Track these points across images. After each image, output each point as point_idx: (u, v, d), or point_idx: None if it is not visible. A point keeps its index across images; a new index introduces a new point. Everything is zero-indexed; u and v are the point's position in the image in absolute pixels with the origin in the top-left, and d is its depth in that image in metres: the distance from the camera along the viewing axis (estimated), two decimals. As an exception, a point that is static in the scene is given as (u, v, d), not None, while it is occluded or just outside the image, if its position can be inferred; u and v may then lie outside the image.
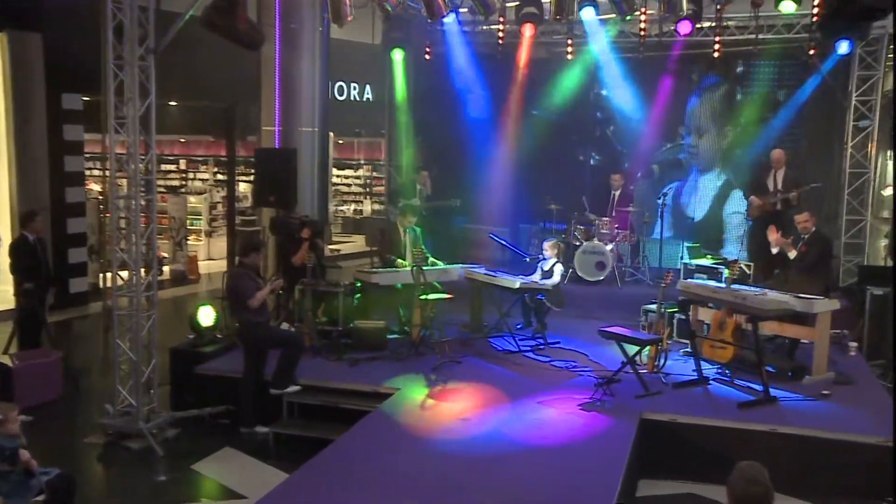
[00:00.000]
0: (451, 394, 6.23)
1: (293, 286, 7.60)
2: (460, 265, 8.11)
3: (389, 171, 11.88)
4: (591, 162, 11.57)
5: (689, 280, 6.89)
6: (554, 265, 8.11)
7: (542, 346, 7.59)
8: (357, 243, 18.92)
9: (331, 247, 16.10)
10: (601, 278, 9.40)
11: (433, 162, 11.09)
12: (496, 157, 11.06)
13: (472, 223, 11.08)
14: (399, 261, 7.85)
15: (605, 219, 9.78)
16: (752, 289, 6.32)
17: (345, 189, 20.82)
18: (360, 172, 21.11)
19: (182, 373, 6.90)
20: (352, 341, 7.35)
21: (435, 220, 10.02)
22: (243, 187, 17.01)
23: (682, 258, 9.95)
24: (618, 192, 10.10)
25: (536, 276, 8.08)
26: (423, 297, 7.19)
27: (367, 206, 20.20)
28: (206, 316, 7.39)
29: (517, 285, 7.46)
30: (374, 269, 7.90)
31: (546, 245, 8.18)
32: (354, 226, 20.13)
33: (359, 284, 7.94)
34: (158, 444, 6.10)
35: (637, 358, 6.44)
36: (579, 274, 9.41)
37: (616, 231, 9.71)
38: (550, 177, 10.91)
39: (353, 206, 20.94)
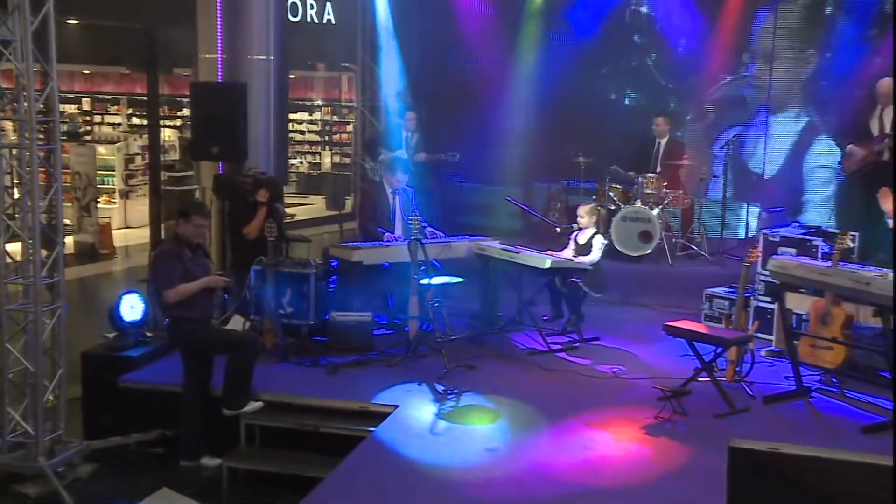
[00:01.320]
0: (468, 413, 5.97)
1: (247, 267, 7.23)
2: (467, 237, 7.82)
3: (363, 114, 11.75)
4: (627, 101, 11.54)
5: (782, 257, 6.36)
6: (592, 237, 7.76)
7: (577, 344, 7.37)
8: (315, 206, 18.53)
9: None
10: (647, 252, 9.24)
11: (422, 104, 11.03)
12: (504, 97, 11.05)
13: (473, 182, 11.14)
14: (379, 231, 7.66)
15: (648, 175, 9.57)
16: (869, 269, 5.81)
17: (298, 137, 20.46)
18: (317, 116, 20.76)
19: (99, 386, 6.62)
20: (329, 340, 7.15)
21: (426, 178, 9.91)
22: (169, 135, 16.45)
23: (751, 225, 9.90)
24: (663, 141, 9.89)
25: (569, 252, 7.78)
26: (423, 280, 6.80)
27: (327, 159, 19.95)
28: (131, 307, 7.02)
29: (547, 264, 7.06)
30: (355, 244, 7.53)
31: (581, 211, 7.81)
32: (310, 183, 19.86)
33: (335, 264, 7.64)
34: (67, 487, 5.67)
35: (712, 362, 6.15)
36: (617, 247, 9.22)
37: (664, 191, 9.47)
38: (575, 121, 10.88)
39: (307, 159, 20.54)
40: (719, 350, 6.10)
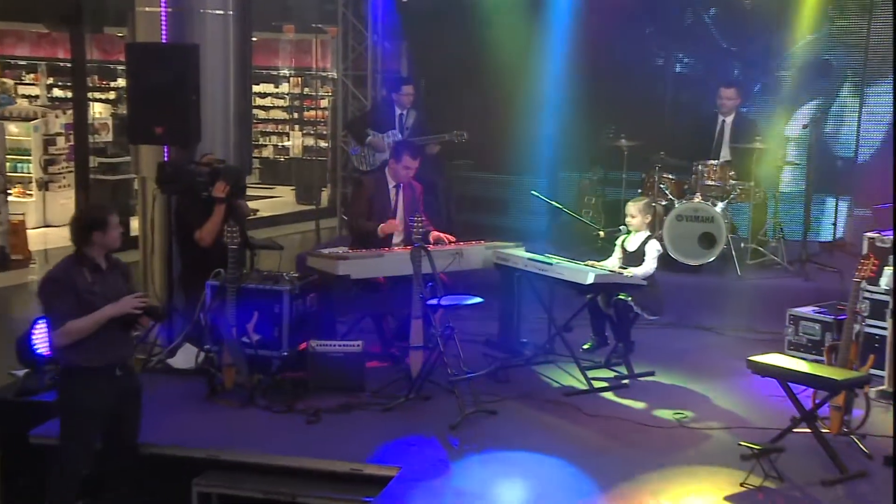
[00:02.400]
0: (493, 478, 5.76)
1: (201, 282, 7.14)
2: (483, 243, 7.75)
3: (344, 85, 11.70)
4: (678, 68, 11.48)
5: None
6: (645, 243, 7.53)
7: (626, 382, 7.29)
8: (283, 199, 18.27)
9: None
10: (709, 260, 9.10)
11: (422, 75, 11.07)
12: (524, 67, 10.91)
13: (484, 172, 11.15)
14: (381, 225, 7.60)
15: (710, 163, 9.39)
16: None
17: (261, 115, 20.52)
18: (285, 89, 20.53)
19: (7, 441, 6.39)
20: (308, 377, 6.96)
21: (425, 166, 9.35)
22: (100, 111, 16.17)
23: (839, 225, 9.86)
24: (729, 119, 9.75)
25: (615, 262, 7.60)
26: (429, 300, 6.69)
27: (297, 141, 19.83)
28: (45, 337, 6.56)
29: (590, 279, 6.86)
30: (339, 252, 7.42)
31: (632, 208, 7.57)
32: (276, 171, 20.04)
33: (314, 278, 7.53)
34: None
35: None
36: (671, 254, 9.04)
37: (730, 183, 9.32)
38: (613, 95, 10.78)
39: (272, 141, 20.46)
40: (824, 394, 5.87)
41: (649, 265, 7.43)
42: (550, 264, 7.15)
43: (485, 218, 10.59)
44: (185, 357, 7.18)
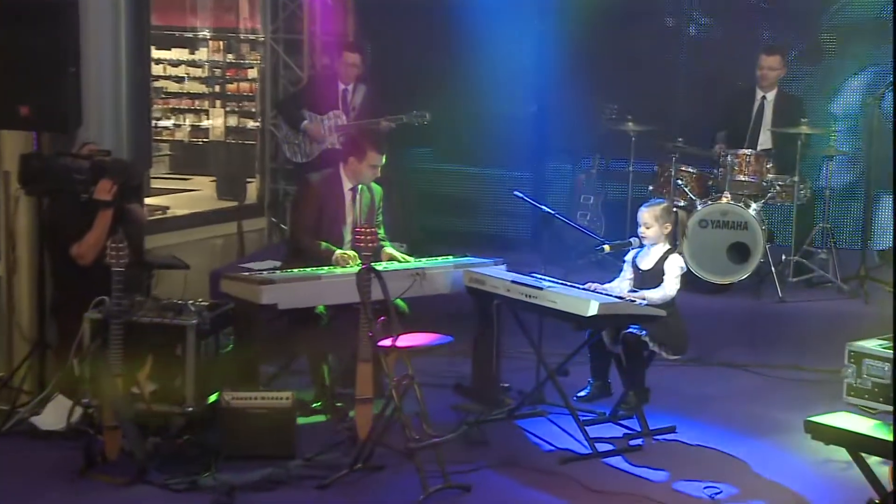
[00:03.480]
0: None
1: (78, 313, 6.92)
2: (451, 260, 7.78)
3: (273, 51, 11.57)
4: (692, 30, 11.34)
5: None
6: (664, 259, 7.31)
7: (640, 442, 7.11)
8: (201, 192, 17.90)
9: (150, 202, 15.79)
10: (741, 278, 9.05)
11: (370, 39, 11.06)
12: (500, 31, 10.76)
13: (450, 163, 11.21)
14: (336, 251, 7.55)
15: (742, 152, 9.35)
16: None
17: (173, 87, 20.12)
18: (202, 56, 20.16)
19: None
20: (220, 440, 6.76)
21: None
22: None
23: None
24: (771, 95, 9.75)
25: (623, 283, 7.42)
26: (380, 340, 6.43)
27: (218, 120, 19.42)
28: None
29: (592, 310, 6.58)
30: (263, 275, 7.18)
31: (646, 215, 7.34)
32: (192, 158, 19.65)
33: (229, 308, 7.26)
34: None
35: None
36: (692, 269, 8.94)
37: (767, 177, 9.28)
38: (613, 65, 10.87)
39: (188, 121, 20.21)
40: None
41: (669, 288, 7.18)
42: (540, 289, 6.92)
43: (453, 223, 10.74)
44: (56, 414, 6.91)
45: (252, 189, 14.20)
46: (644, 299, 7.00)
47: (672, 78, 10.93)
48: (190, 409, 6.81)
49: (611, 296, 6.95)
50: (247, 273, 7.30)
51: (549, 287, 6.92)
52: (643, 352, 7.14)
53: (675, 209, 7.73)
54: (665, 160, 9.53)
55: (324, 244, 7.55)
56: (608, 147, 10.35)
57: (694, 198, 9.28)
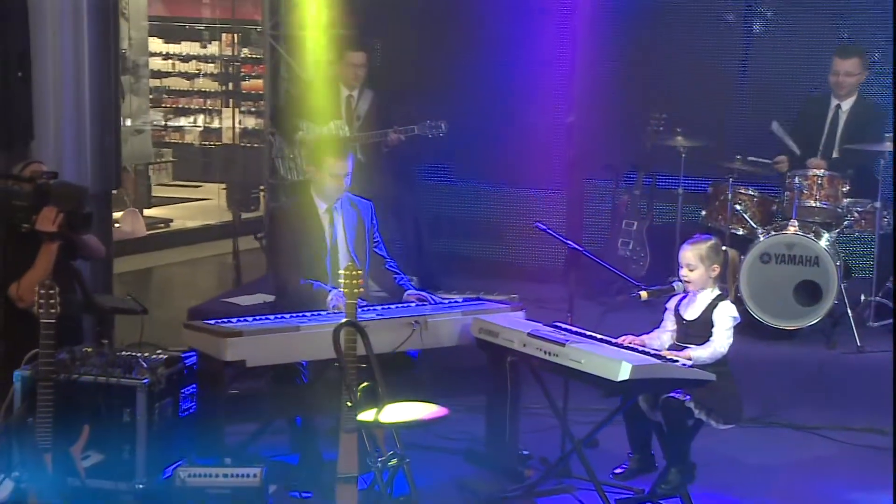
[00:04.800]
0: None
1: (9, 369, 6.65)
2: (459, 304, 7.44)
3: (273, 49, 11.35)
4: (755, 28, 10.86)
5: None
6: (713, 307, 6.81)
7: None
8: (211, 202, 18.13)
9: (151, 214, 15.83)
10: (811, 322, 8.70)
11: (379, 38, 11.05)
12: (528, 29, 10.65)
13: (472, 180, 11.04)
14: (316, 288, 7.26)
15: (813, 172, 8.96)
16: None
17: (183, 85, 20.42)
18: (213, 50, 20.59)
19: None
20: None
21: (385, 176, 9.67)
22: None
23: None
24: (847, 104, 9.37)
25: (665, 337, 6.93)
26: (372, 409, 5.98)
27: (226, 122, 19.72)
28: None
29: (624, 374, 6.10)
30: (230, 325, 6.69)
31: (689, 255, 6.87)
32: (205, 163, 19.90)
33: (191, 362, 6.87)
34: None
35: None
36: (752, 311, 8.71)
37: (843, 202, 8.93)
38: (663, 69, 10.64)
39: (197, 121, 20.57)
40: None
41: (720, 343, 6.65)
42: (562, 345, 6.39)
43: (473, 249, 10.54)
44: (-18, 493, 6.57)
45: (262, 201, 14.12)
46: (689, 359, 6.51)
47: (731, 84, 10.68)
48: (141, 485, 6.42)
49: (648, 354, 6.45)
50: (211, 322, 6.80)
51: (573, 343, 6.40)
52: (687, 420, 6.64)
53: (724, 248, 7.23)
54: (721, 181, 9.24)
55: (315, 284, 7.16)
56: (655, 164, 10.08)
57: (755, 226, 8.94)
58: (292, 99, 10.73)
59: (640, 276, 9.21)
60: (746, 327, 8.27)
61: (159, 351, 6.82)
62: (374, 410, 5.85)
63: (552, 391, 6.95)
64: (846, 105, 9.31)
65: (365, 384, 6.02)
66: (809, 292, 8.62)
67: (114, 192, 8.92)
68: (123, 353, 6.70)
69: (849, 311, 8.65)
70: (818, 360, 8.49)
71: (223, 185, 17.95)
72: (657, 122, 9.69)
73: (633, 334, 6.75)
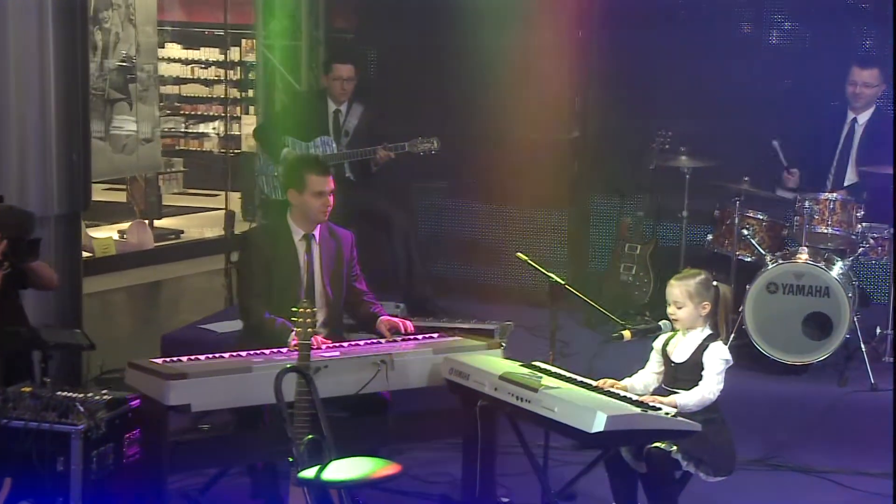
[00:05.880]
0: None
1: None
2: (432, 339, 7.11)
3: (264, 57, 11.25)
4: (772, 38, 10.83)
5: None
6: (704, 348, 6.44)
7: None
8: (222, 213, 17.71)
9: (162, 225, 15.66)
10: (821, 358, 8.45)
11: (371, 51, 10.97)
12: (523, 35, 10.43)
13: (465, 199, 10.87)
14: (278, 325, 6.97)
15: (824, 196, 8.76)
16: None
17: (202, 92, 20.35)
18: (234, 55, 20.35)
19: None
20: None
21: (380, 196, 9.68)
22: None
23: None
24: (864, 118, 9.15)
25: (647, 378, 6.59)
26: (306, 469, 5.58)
27: (246, 129, 19.32)
28: None
29: (598, 425, 5.69)
30: (175, 364, 6.37)
31: (676, 290, 6.53)
32: (209, 173, 19.51)
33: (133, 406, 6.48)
34: None
35: None
36: (758, 345, 8.52)
37: (857, 227, 8.70)
38: (669, 80, 10.41)
39: (215, 129, 20.38)
40: None
41: (709, 389, 6.22)
42: (535, 391, 5.96)
43: (468, 272, 10.35)
44: None
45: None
46: (675, 407, 6.08)
47: (745, 97, 10.38)
48: None
49: (629, 401, 6.01)
50: (156, 362, 6.41)
51: (545, 388, 5.95)
52: (674, 472, 6.22)
53: (714, 283, 6.87)
54: (728, 203, 8.99)
55: (278, 321, 6.82)
56: (660, 185, 9.82)
57: (764, 252, 8.69)
58: (277, 113, 10.59)
59: (643, 303, 9.13)
60: (751, 362, 8.39)
61: (104, 391, 6.41)
62: (317, 467, 5.45)
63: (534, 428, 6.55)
64: (863, 118, 9.09)
65: (310, 436, 5.65)
66: (819, 325, 8.42)
67: (82, 212, 8.56)
68: (65, 393, 6.26)
69: (862, 346, 8.43)
70: (828, 399, 8.26)
71: (239, 195, 17.81)
72: (663, 139, 9.48)
73: (613, 378, 6.36)
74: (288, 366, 5.67)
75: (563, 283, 7.11)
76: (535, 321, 8.39)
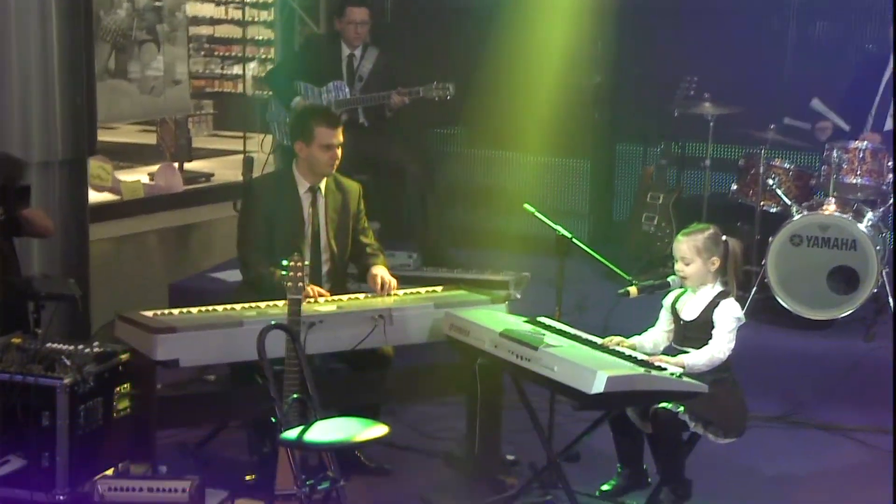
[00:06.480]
0: None
1: None
2: (433, 295, 6.94)
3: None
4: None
5: None
6: (714, 305, 6.26)
7: None
8: (257, 156, 17.98)
9: (192, 168, 15.56)
10: (847, 312, 8.22)
11: None
12: None
13: (484, 147, 10.67)
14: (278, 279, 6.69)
15: (853, 145, 8.50)
16: None
17: (234, 35, 20.02)
18: None
19: None
20: None
21: (394, 143, 9.46)
22: None
23: None
24: None
25: (657, 336, 6.44)
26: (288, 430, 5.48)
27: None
28: None
29: (599, 386, 5.53)
30: (165, 317, 6.30)
31: (682, 246, 6.34)
32: (240, 115, 18.55)
33: (123, 358, 6.25)
34: None
35: None
36: (780, 299, 8.31)
37: (888, 178, 8.43)
38: (698, 23, 10.22)
39: (251, 70, 19.80)
40: None
41: (719, 348, 6.04)
42: (535, 349, 5.78)
43: (487, 221, 10.09)
44: None
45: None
46: (682, 367, 5.91)
47: (774, 44, 10.20)
48: (62, 497, 5.83)
49: (634, 361, 5.83)
50: (146, 314, 6.26)
51: (549, 346, 5.76)
52: (681, 434, 6.06)
53: (723, 238, 6.64)
54: (753, 152, 8.78)
55: (280, 273, 6.56)
56: (684, 132, 9.64)
57: (790, 203, 8.45)
58: (289, 57, 10.33)
59: (665, 253, 8.63)
60: (773, 316, 8.25)
61: (96, 344, 6.22)
62: (300, 428, 5.32)
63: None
64: None
65: (296, 395, 5.55)
66: (845, 279, 8.21)
67: (90, 157, 8.40)
68: (55, 346, 6.11)
69: (890, 300, 8.20)
70: (853, 355, 8.00)
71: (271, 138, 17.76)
72: (688, 85, 9.26)
73: (622, 335, 6.22)
74: (273, 322, 5.52)
75: (569, 236, 6.98)
76: (554, 272, 8.26)
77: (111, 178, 12.17)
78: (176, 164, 14.35)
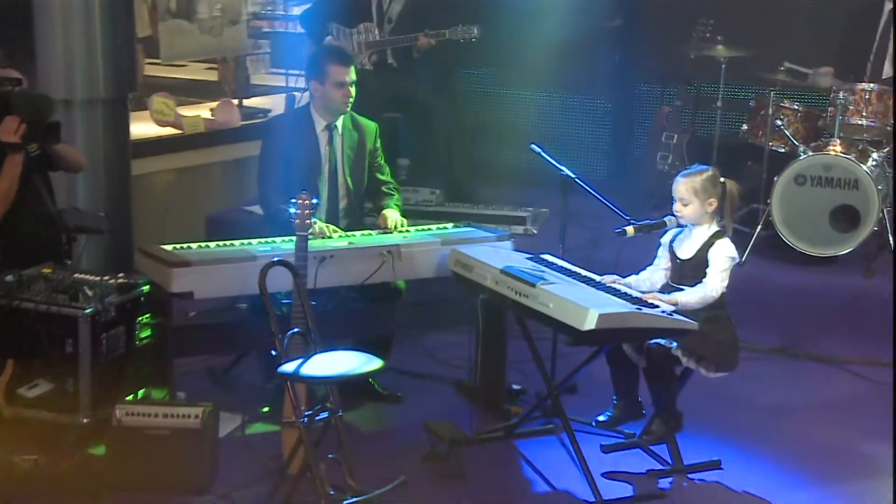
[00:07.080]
0: None
1: None
2: (438, 232, 6.81)
3: None
4: None
5: None
6: (710, 245, 6.03)
7: (668, 482, 6.00)
8: (306, 96, 18.07)
9: (251, 104, 14.94)
10: (847, 250, 8.09)
11: None
12: None
13: (514, 87, 10.48)
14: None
15: (859, 87, 8.25)
16: None
17: None
18: None
19: None
20: (110, 469, 5.69)
21: (422, 83, 9.14)
22: None
23: None
24: None
25: (654, 275, 6.21)
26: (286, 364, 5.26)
27: None
28: None
29: (591, 322, 5.31)
30: (181, 251, 6.14)
31: (681, 187, 6.12)
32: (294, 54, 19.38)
33: (145, 290, 6.21)
34: None
35: None
36: (784, 236, 8.15)
37: (892, 119, 8.18)
38: None
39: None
40: None
41: (712, 286, 5.82)
42: (532, 286, 5.58)
43: (507, 158, 9.90)
44: None
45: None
46: (675, 304, 5.70)
47: None
48: (85, 420, 5.79)
49: (628, 298, 5.62)
50: (165, 248, 6.13)
51: (546, 283, 5.55)
52: (674, 369, 5.85)
53: (721, 180, 6.39)
54: (763, 93, 8.52)
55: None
56: (699, 74, 9.36)
57: (797, 143, 8.19)
58: (314, 3, 10.04)
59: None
60: (779, 253, 8.13)
61: (120, 275, 6.14)
62: (297, 361, 5.12)
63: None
64: None
65: (296, 329, 5.36)
66: (848, 217, 8.02)
67: (130, 95, 8.18)
68: (81, 276, 6.05)
69: (891, 239, 8.01)
70: (854, 290, 7.90)
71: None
72: (703, 28, 9.02)
73: (619, 274, 6.02)
74: (275, 259, 5.35)
75: (572, 175, 6.76)
76: (575, 207, 8.08)
77: (174, 113, 12.10)
78: (235, 101, 14.32)
